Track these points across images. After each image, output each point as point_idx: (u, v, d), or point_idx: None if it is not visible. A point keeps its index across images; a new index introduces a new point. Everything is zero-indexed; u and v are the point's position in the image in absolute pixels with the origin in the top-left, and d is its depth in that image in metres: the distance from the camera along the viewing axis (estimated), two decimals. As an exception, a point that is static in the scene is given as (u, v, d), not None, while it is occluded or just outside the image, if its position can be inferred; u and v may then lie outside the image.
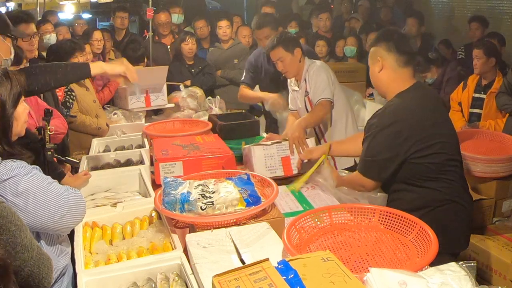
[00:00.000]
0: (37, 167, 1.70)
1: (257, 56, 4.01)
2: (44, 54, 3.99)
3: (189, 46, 4.94)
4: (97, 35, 4.72)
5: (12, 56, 2.34)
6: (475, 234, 3.32)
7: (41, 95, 2.95)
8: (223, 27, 5.26)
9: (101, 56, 4.81)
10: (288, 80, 3.42)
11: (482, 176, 3.51)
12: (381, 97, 2.61)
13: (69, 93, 3.59)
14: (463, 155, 3.49)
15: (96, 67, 2.35)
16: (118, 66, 2.38)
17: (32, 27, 3.22)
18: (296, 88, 3.31)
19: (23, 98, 1.72)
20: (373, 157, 2.25)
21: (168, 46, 5.63)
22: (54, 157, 2.30)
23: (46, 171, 2.06)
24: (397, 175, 2.26)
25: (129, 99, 4.23)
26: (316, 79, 3.15)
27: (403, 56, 2.28)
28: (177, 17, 5.89)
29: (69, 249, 1.87)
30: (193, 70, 4.99)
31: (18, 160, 1.63)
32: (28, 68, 2.34)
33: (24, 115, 1.73)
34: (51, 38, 4.67)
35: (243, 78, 4.03)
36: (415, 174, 2.24)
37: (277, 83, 3.74)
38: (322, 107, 3.09)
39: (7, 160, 1.60)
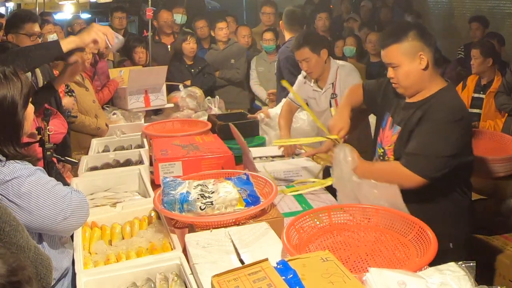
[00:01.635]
0: (41, 168, 1.70)
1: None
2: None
3: (190, 46, 4.95)
4: None
5: None
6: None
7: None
8: (224, 28, 5.28)
9: (97, 56, 4.82)
10: (302, 71, 3.31)
11: (482, 176, 3.50)
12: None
13: (69, 93, 3.59)
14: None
15: (67, 43, 2.31)
16: (87, 35, 2.32)
17: (37, 27, 3.24)
18: (317, 89, 3.22)
19: (30, 97, 1.72)
20: (434, 153, 2.04)
21: (169, 46, 5.63)
22: (54, 157, 2.30)
23: (46, 171, 2.06)
24: (448, 176, 2.10)
25: (129, 99, 4.24)
26: (351, 83, 2.93)
27: (433, 50, 2.15)
28: (180, 17, 5.89)
29: (72, 251, 1.87)
30: (192, 70, 5.00)
31: (22, 162, 1.63)
32: (1, 56, 2.33)
33: (31, 115, 1.74)
34: (54, 37, 4.69)
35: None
36: (464, 175, 2.20)
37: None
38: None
39: (11, 161, 1.60)
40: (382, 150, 2.34)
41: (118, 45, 2.55)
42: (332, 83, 3.13)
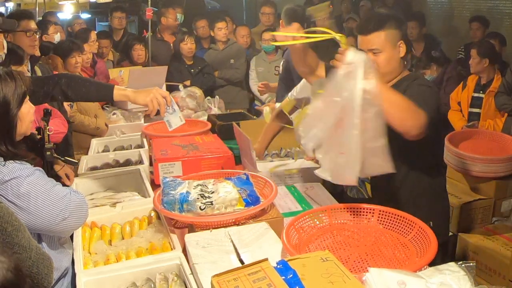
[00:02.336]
0: (40, 169, 1.71)
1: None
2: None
3: (188, 46, 4.95)
4: (93, 36, 4.74)
5: (5, 51, 2.32)
6: (474, 234, 3.32)
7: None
8: (223, 28, 5.29)
9: (96, 56, 4.82)
10: None
11: (481, 176, 3.51)
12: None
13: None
14: (462, 154, 3.52)
15: (120, 95, 2.21)
16: (142, 98, 2.19)
17: (33, 24, 3.24)
18: None
19: (27, 98, 1.71)
20: (430, 109, 1.97)
21: (171, 44, 5.64)
22: (54, 157, 2.30)
23: (45, 171, 2.06)
24: (422, 153, 2.15)
25: (128, 99, 4.23)
26: None
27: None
28: (179, 17, 5.90)
29: (71, 251, 1.88)
30: (192, 70, 5.00)
31: (21, 162, 1.63)
32: (55, 76, 2.32)
33: (29, 115, 1.73)
34: (58, 38, 4.71)
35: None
36: (435, 154, 2.26)
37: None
38: None
39: (10, 161, 1.61)
40: None
41: (172, 118, 2.29)
42: None
